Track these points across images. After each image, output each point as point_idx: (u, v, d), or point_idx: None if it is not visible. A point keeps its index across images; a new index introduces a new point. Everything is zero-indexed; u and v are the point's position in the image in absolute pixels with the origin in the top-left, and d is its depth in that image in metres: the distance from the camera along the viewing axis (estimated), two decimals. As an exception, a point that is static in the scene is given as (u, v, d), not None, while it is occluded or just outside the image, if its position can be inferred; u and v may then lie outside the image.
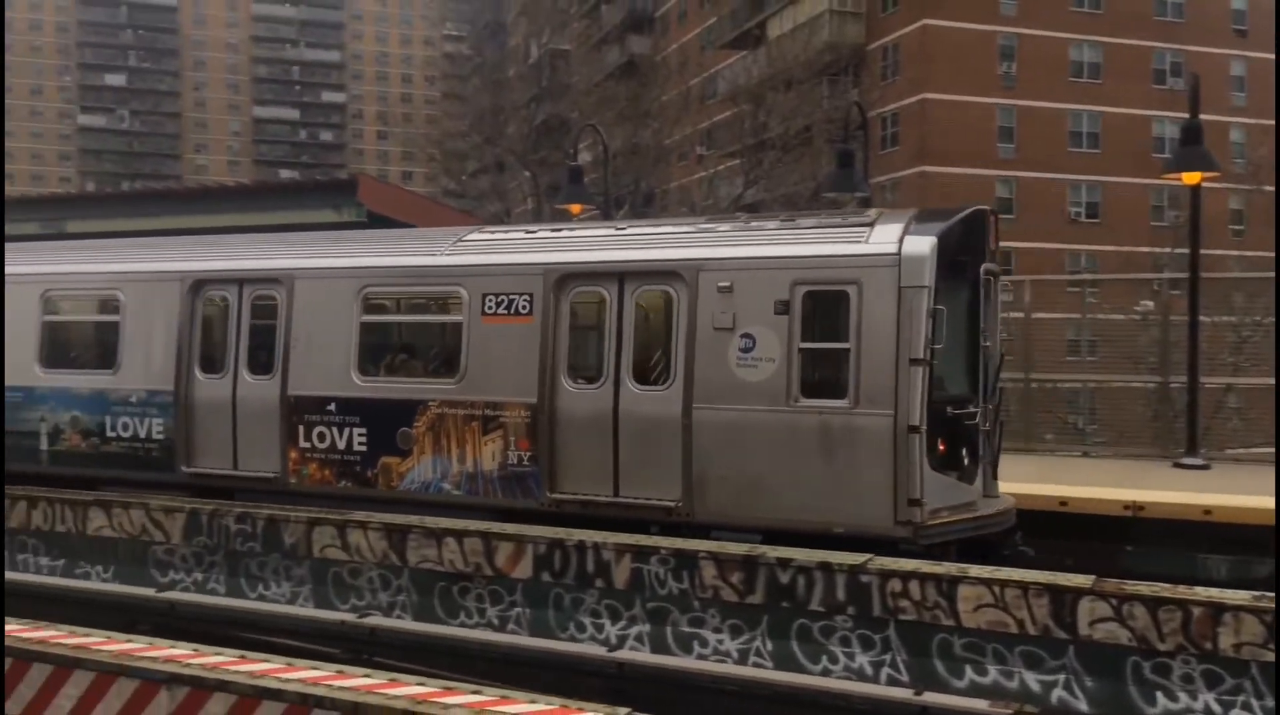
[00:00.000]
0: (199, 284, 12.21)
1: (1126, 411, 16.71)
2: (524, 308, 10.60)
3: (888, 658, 7.66)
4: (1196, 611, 6.91)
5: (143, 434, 12.27)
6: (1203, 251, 14.69)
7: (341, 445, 11.27)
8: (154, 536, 10.42)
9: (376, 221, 17.21)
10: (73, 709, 5.59)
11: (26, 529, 11.02)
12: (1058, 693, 7.23)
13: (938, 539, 9.25)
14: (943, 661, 7.50)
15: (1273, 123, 29.84)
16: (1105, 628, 7.13)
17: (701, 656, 8.16)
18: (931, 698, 7.36)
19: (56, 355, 13.03)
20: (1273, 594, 6.96)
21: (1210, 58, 47.04)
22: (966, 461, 9.85)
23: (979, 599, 7.41)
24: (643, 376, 10.25)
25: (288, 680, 5.38)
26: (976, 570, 7.69)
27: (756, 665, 7.97)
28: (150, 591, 10.17)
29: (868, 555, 8.04)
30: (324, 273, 11.74)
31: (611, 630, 8.52)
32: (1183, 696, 6.92)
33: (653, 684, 7.97)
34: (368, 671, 5.84)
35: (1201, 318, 14.22)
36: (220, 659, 5.75)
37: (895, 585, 7.67)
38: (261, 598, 9.84)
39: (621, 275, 10.35)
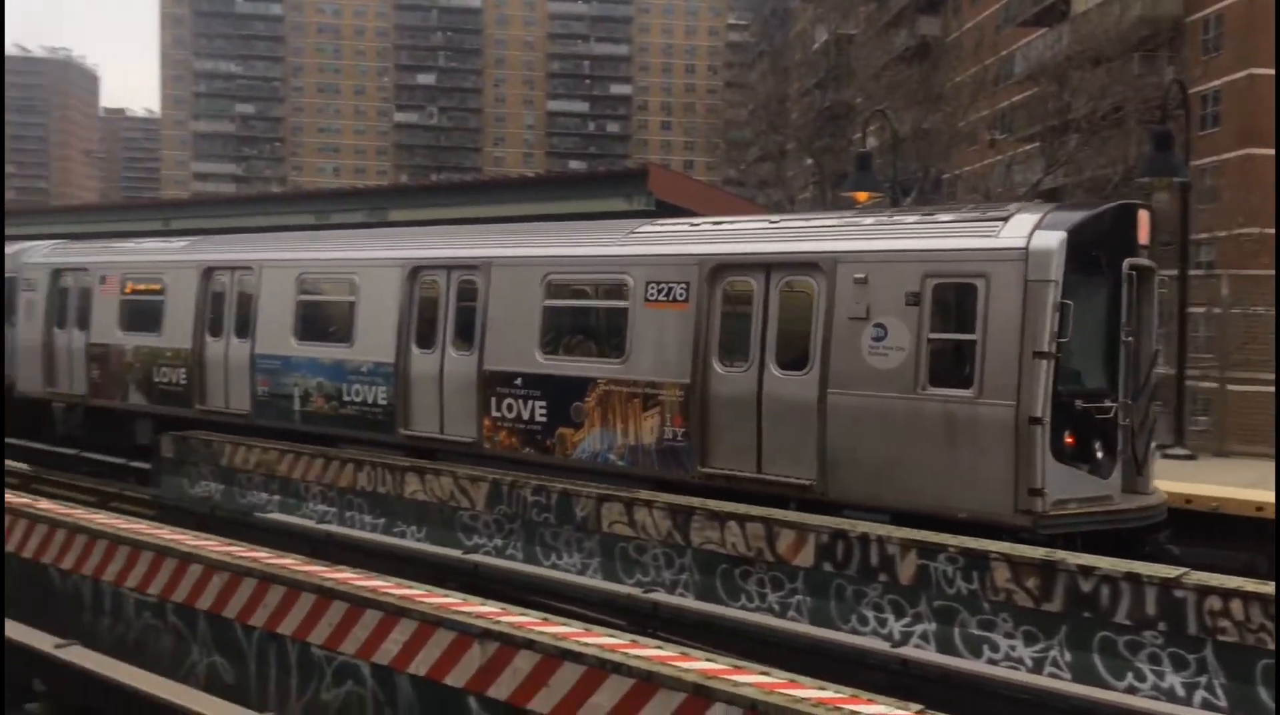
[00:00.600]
0: (416, 270, 13.62)
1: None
2: (681, 295, 11.34)
3: (1203, 680, 7.10)
4: None
5: (370, 400, 13.82)
6: None
7: (526, 416, 12.36)
8: (460, 503, 11.25)
9: (664, 209, 17.70)
10: (399, 652, 6.17)
11: (353, 489, 12.22)
12: None
13: (1060, 530, 9.26)
14: (1268, 689, 6.87)
15: None
16: None
17: (992, 661, 7.87)
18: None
19: (307, 329, 14.79)
20: None
21: None
22: (1101, 455, 9.76)
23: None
24: (785, 362, 10.70)
25: (587, 645, 5.65)
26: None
27: (1053, 675, 7.60)
28: (458, 553, 10.95)
29: (1182, 569, 7.50)
30: (515, 261, 12.92)
31: (895, 625, 8.39)
32: None
33: (938, 684, 7.76)
34: (659, 643, 6.06)
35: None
36: (525, 619, 6.15)
37: (1214, 603, 7.10)
38: (554, 566, 10.39)
39: (768, 266, 10.93)
